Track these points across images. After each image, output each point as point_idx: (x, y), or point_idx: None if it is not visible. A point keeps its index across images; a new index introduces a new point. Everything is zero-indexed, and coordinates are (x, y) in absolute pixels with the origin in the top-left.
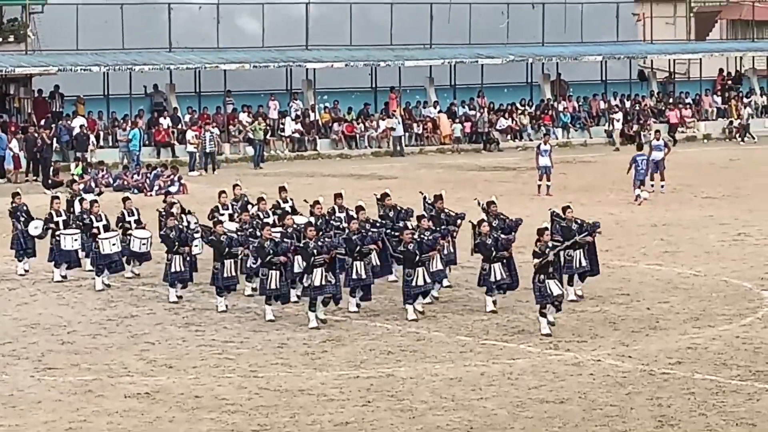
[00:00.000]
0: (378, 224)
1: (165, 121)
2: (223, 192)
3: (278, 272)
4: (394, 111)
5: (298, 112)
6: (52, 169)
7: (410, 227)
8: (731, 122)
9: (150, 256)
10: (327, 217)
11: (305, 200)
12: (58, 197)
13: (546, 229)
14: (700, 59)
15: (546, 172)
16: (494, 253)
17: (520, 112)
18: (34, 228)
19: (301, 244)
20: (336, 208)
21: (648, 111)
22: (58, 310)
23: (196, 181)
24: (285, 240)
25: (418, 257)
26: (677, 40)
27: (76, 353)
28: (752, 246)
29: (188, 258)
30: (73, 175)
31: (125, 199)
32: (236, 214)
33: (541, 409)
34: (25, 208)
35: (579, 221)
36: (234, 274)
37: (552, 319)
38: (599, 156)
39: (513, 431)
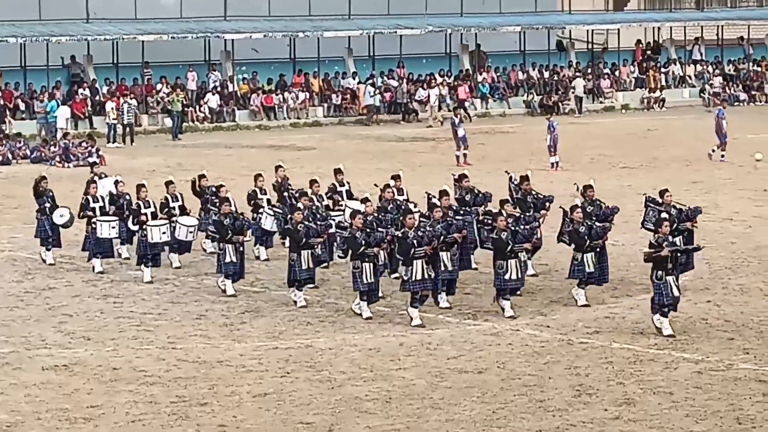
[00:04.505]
0: (462, 211)
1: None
2: (260, 175)
3: (372, 264)
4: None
5: (217, 84)
6: None
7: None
8: (650, 91)
9: (190, 248)
10: (398, 203)
11: (375, 184)
12: (94, 181)
13: (665, 220)
14: (618, 30)
15: (464, 142)
16: (588, 243)
17: (438, 82)
18: (60, 216)
19: (400, 234)
20: (394, 191)
21: (566, 81)
22: None
23: (114, 152)
24: (379, 229)
25: (510, 247)
26: (596, 11)
27: None
28: None
29: (241, 248)
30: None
31: (168, 183)
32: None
33: (460, 378)
34: (51, 194)
35: (678, 206)
36: (312, 266)
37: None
38: (518, 126)
39: (432, 401)
